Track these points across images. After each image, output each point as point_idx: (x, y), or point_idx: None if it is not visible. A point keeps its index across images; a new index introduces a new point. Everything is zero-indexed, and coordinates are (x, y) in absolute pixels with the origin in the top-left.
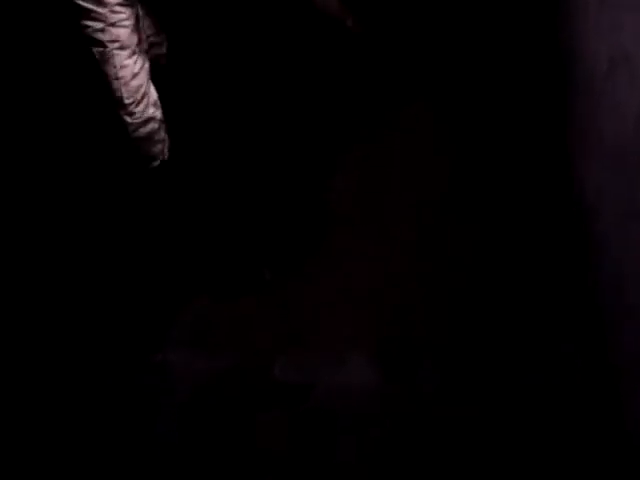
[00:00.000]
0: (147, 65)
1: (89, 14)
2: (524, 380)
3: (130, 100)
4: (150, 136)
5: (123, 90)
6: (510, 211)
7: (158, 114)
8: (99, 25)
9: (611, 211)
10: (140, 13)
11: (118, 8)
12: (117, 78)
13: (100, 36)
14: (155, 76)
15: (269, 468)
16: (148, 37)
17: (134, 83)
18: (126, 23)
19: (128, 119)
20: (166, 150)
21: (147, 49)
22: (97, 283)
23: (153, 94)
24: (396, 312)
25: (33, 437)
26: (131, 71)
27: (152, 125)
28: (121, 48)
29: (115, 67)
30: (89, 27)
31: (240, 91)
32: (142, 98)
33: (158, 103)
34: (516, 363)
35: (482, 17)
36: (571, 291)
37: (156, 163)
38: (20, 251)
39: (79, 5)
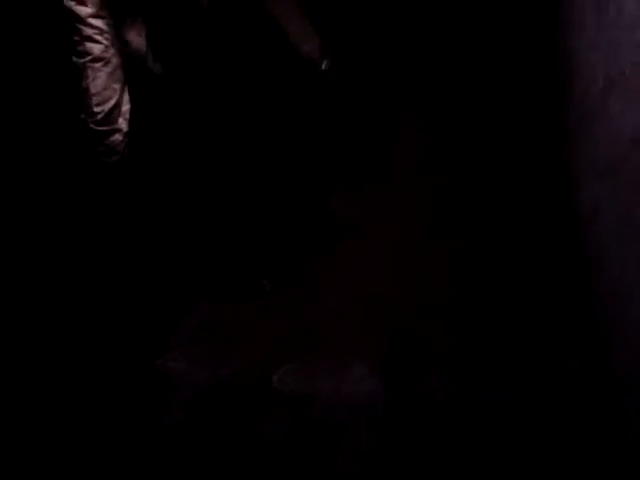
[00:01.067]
0: (122, 77)
1: (68, 26)
2: (528, 392)
3: (99, 109)
4: (110, 147)
5: (93, 100)
6: (508, 225)
7: (124, 126)
8: (76, 37)
9: (607, 227)
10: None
11: (91, 20)
12: (87, 88)
13: (77, 47)
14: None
15: (269, 477)
16: (130, 49)
17: (105, 94)
18: (99, 38)
19: (93, 127)
20: (117, 163)
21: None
22: (100, 290)
23: (125, 106)
24: (399, 321)
25: (38, 438)
26: (103, 83)
27: (116, 137)
28: (93, 61)
29: (87, 78)
30: (70, 38)
31: (237, 100)
32: (112, 109)
33: (127, 116)
34: (520, 374)
35: (480, 32)
36: (573, 305)
37: (104, 173)
38: (23, 256)
39: (60, 17)
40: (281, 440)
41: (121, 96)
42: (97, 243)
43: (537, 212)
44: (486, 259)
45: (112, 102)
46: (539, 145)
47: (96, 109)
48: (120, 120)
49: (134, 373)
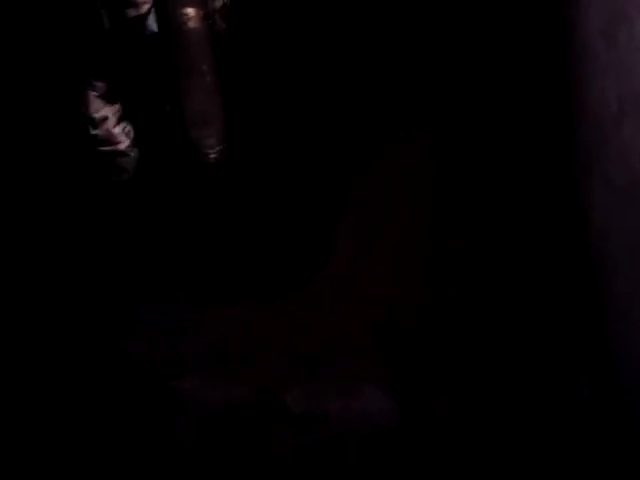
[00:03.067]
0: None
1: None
2: (544, 405)
3: (95, 132)
4: (117, 166)
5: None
6: (509, 226)
7: (125, 146)
8: None
9: (618, 242)
10: None
11: None
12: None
13: None
14: None
15: None
16: None
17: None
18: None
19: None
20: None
21: None
22: (115, 311)
23: (124, 126)
24: (410, 340)
25: (49, 456)
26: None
27: (121, 157)
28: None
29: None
30: None
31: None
32: (108, 137)
33: (132, 135)
34: (530, 385)
35: (492, 55)
36: (577, 309)
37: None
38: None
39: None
40: (293, 459)
41: (118, 117)
42: (107, 262)
43: (537, 212)
44: (486, 259)
45: (109, 124)
46: (550, 170)
47: (93, 132)
48: (121, 139)
49: (147, 393)
